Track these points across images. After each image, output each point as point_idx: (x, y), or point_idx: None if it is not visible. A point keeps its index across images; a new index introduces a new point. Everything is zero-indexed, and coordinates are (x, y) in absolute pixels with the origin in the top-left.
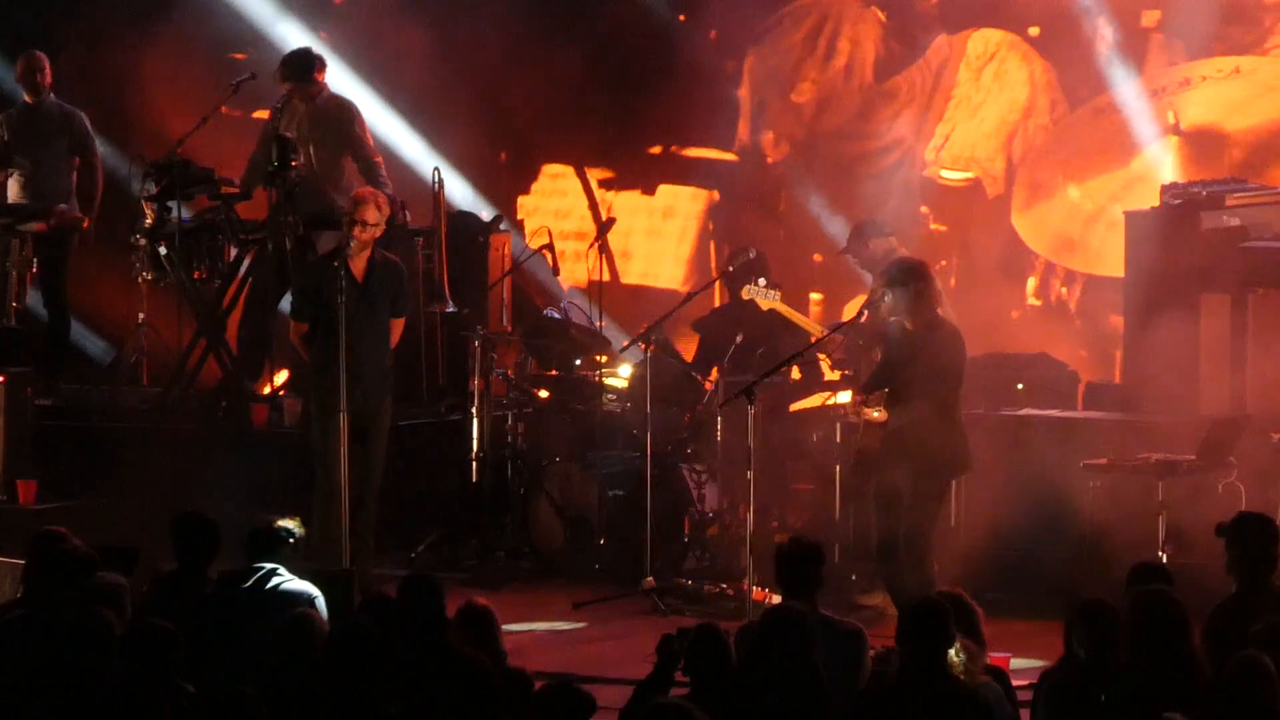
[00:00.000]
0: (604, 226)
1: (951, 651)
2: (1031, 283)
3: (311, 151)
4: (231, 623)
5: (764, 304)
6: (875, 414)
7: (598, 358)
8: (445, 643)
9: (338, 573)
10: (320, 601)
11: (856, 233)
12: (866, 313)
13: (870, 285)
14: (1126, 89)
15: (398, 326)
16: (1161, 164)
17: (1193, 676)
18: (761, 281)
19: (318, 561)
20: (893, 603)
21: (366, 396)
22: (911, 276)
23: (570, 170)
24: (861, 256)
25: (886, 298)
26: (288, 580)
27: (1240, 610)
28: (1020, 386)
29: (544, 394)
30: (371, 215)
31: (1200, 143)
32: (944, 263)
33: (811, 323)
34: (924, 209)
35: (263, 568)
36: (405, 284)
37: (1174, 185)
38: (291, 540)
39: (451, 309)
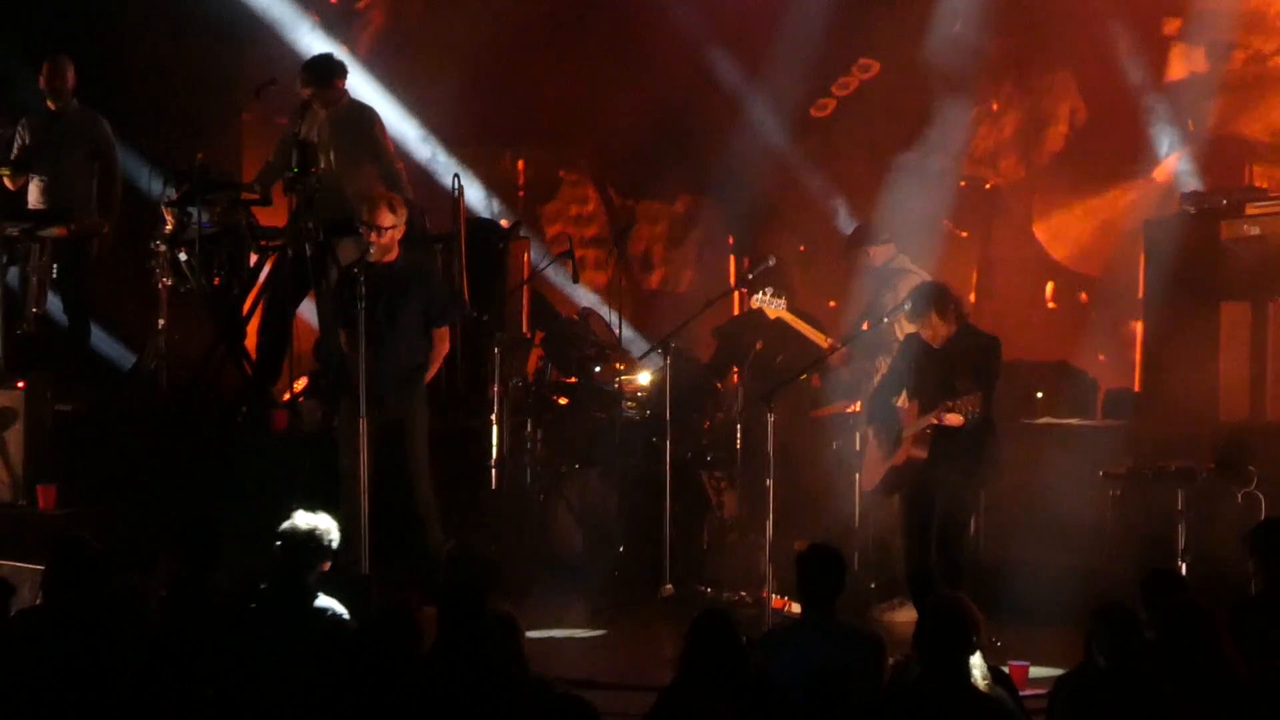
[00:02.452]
0: (622, 231)
1: (977, 663)
2: (1050, 287)
3: (332, 157)
4: (272, 643)
5: (771, 313)
6: (962, 418)
7: (617, 365)
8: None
9: (356, 578)
10: (346, 619)
11: (856, 239)
12: (868, 322)
13: (870, 293)
14: (1146, 96)
15: (441, 337)
16: (1181, 172)
17: (1227, 685)
18: (768, 290)
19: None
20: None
21: (389, 402)
22: (942, 300)
23: (590, 178)
24: (861, 263)
25: (908, 306)
26: (319, 596)
27: (1262, 616)
28: (1039, 395)
29: (563, 401)
30: (386, 219)
31: (1220, 151)
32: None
33: (817, 332)
34: (945, 219)
35: (299, 584)
36: (437, 290)
37: (1194, 194)
38: (332, 548)
39: (471, 315)
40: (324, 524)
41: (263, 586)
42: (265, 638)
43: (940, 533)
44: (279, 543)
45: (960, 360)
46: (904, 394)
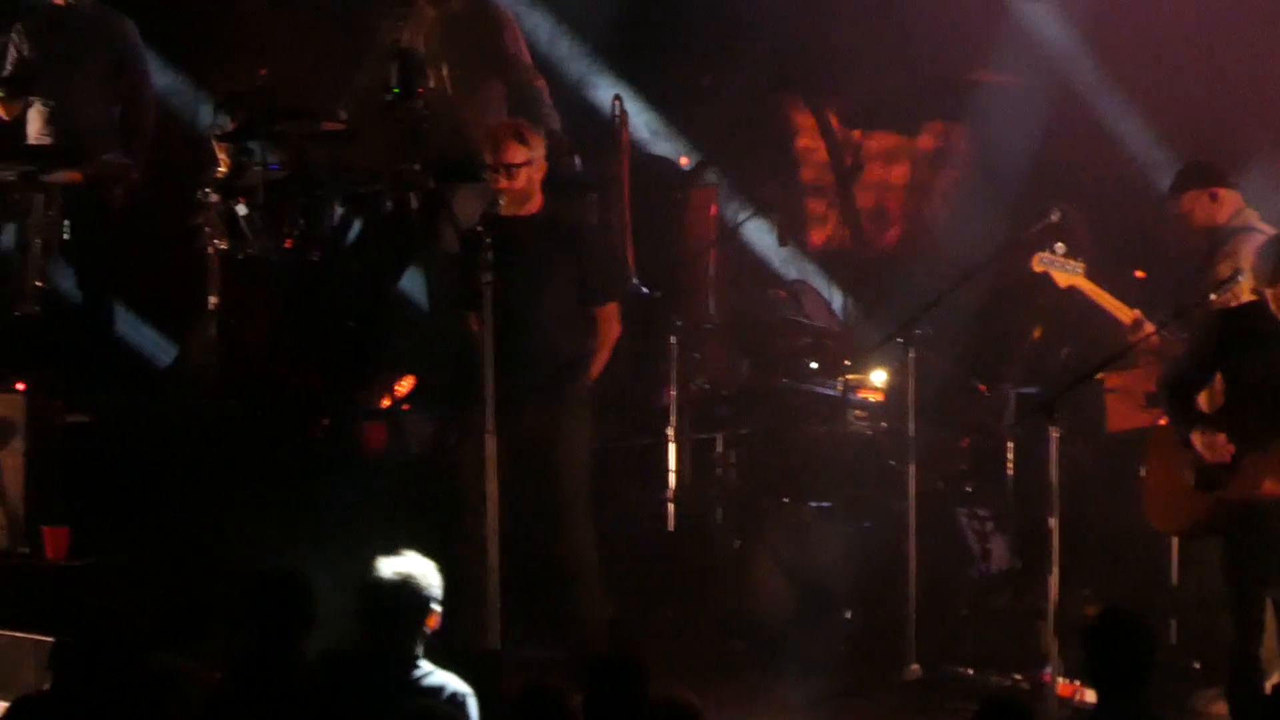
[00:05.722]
0: (847, 177)
1: None
2: None
3: (445, 74)
4: None
5: (1061, 279)
6: None
7: (840, 360)
8: None
9: (483, 654)
10: (472, 703)
11: (1186, 182)
12: (1215, 295)
13: (1221, 257)
14: None
15: (607, 318)
16: None
17: None
18: (1059, 249)
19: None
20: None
21: (532, 412)
22: None
23: (802, 101)
24: (1193, 216)
25: (1242, 278)
26: (430, 672)
27: None
28: None
29: (765, 410)
30: (517, 154)
31: None
32: None
33: (1125, 307)
34: None
35: (394, 650)
36: (597, 253)
37: None
38: (434, 604)
39: (640, 291)
40: (418, 568)
41: (339, 655)
42: None
43: None
44: (362, 602)
45: None
46: (1206, 391)
